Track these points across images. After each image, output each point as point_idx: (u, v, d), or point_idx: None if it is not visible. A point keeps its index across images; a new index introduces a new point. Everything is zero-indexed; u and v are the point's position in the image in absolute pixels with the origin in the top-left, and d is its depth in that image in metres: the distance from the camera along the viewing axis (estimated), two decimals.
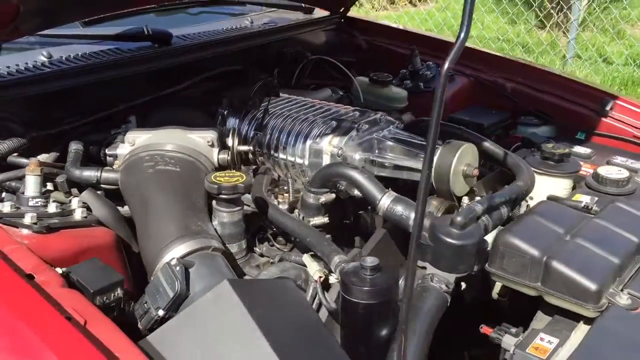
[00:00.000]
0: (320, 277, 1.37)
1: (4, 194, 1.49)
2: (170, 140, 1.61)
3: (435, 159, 1.60)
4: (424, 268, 1.40)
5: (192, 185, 1.48)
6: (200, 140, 1.63)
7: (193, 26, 2.40)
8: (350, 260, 1.37)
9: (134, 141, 1.65)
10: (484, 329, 1.43)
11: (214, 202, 1.45)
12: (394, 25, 3.00)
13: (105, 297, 1.22)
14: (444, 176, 1.57)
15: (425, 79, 2.58)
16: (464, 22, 0.87)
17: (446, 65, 0.87)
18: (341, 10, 2.90)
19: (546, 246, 1.37)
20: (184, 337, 1.08)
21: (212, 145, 1.64)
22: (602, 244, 1.41)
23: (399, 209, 1.44)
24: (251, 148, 1.65)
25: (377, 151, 1.71)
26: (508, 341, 1.37)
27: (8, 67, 1.81)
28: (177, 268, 1.23)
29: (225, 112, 1.89)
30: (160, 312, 1.21)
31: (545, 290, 1.35)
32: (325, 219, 1.60)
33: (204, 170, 1.58)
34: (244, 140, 1.79)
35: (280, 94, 2.01)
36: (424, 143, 1.67)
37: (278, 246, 1.57)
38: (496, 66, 2.62)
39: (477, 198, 1.60)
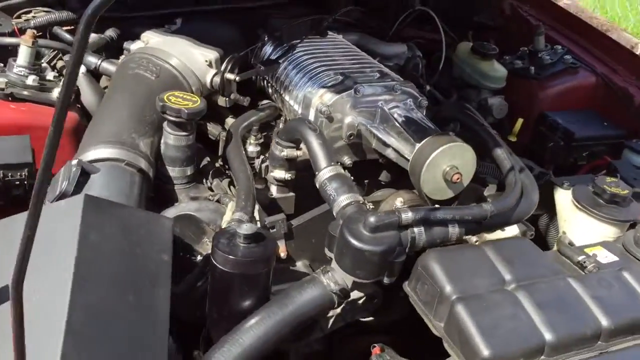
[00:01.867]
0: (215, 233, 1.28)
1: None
2: (173, 49, 1.58)
3: (416, 147, 1.37)
4: (331, 259, 1.24)
5: (155, 99, 1.45)
6: (199, 57, 1.59)
7: None
8: (253, 224, 1.25)
9: (148, 41, 1.66)
10: (375, 350, 1.24)
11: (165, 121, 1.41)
12: None
13: (10, 174, 1.28)
14: (417, 170, 1.35)
15: (541, 63, 2.19)
16: None
17: None
18: None
19: (467, 286, 1.13)
20: (17, 232, 1.09)
21: (210, 66, 1.58)
22: (549, 311, 1.11)
23: (333, 186, 1.27)
24: (237, 78, 1.55)
25: (377, 121, 1.52)
26: None
27: None
28: (74, 170, 1.23)
29: (265, 38, 1.81)
30: (47, 204, 1.24)
31: (443, 335, 1.12)
32: (287, 175, 1.49)
33: (186, 87, 1.54)
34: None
35: (329, 34, 1.85)
36: (434, 130, 1.45)
37: (229, 189, 1.50)
38: (637, 70, 2.13)
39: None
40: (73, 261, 1.00)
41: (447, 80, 2.14)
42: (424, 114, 1.56)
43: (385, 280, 1.19)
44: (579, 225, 1.56)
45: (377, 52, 1.98)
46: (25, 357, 0.76)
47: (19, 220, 1.13)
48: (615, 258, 1.32)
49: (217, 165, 1.56)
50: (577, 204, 1.53)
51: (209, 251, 1.32)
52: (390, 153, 1.49)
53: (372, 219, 1.15)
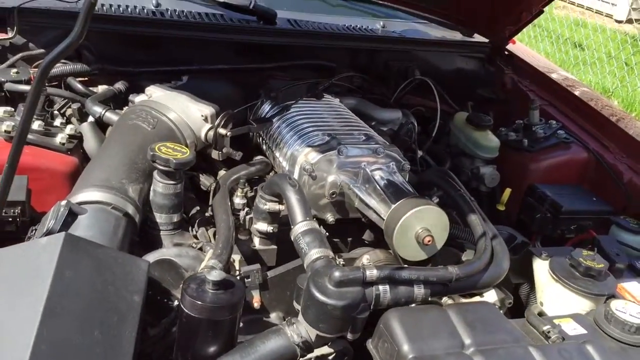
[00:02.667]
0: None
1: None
2: (172, 104, 1.68)
3: (391, 208, 1.42)
4: (298, 312, 1.27)
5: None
6: (196, 112, 1.68)
7: (318, 15, 2.42)
8: (221, 272, 1.29)
9: (151, 94, 1.76)
10: None
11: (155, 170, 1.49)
12: (554, 75, 2.63)
13: (5, 211, 1.35)
14: (390, 231, 1.39)
15: (535, 137, 2.25)
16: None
17: None
18: (505, 38, 2.64)
19: (425, 347, 1.15)
20: (2, 266, 1.15)
21: (206, 120, 1.67)
22: None
23: (306, 240, 1.32)
24: (229, 133, 1.64)
25: (360, 182, 1.58)
26: None
27: (110, 4, 2.05)
28: (62, 210, 1.30)
29: (264, 97, 1.91)
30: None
31: None
32: (270, 228, 1.54)
33: (180, 139, 1.62)
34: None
35: (325, 96, 1.94)
36: (411, 193, 1.51)
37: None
38: (630, 149, 2.17)
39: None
40: (45, 295, 1.06)
41: (442, 148, 2.21)
42: (407, 178, 1.62)
43: (349, 336, 1.22)
44: (555, 296, 1.57)
45: (373, 116, 2.06)
46: None
47: (3, 253, 1.20)
48: (584, 331, 1.33)
49: (206, 215, 1.63)
50: (553, 275, 1.55)
51: None
52: (370, 213, 1.54)
53: (336, 274, 1.19)
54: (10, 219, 1.36)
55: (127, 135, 1.57)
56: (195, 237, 1.55)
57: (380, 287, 1.22)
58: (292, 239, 1.37)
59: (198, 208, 1.62)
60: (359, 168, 1.58)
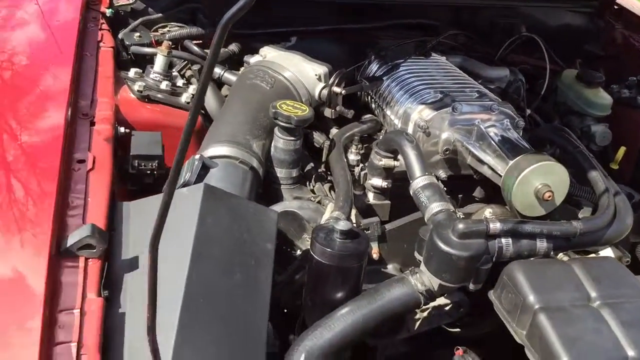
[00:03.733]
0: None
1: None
2: (287, 63, 1.74)
3: (509, 164, 1.43)
4: (420, 262, 1.32)
5: (269, 106, 1.60)
6: (310, 71, 1.73)
7: None
8: (349, 222, 1.35)
9: (266, 55, 1.82)
10: (459, 352, 1.30)
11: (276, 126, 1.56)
12: None
13: (143, 164, 1.46)
14: (509, 186, 1.40)
15: None
16: None
17: None
18: None
19: (551, 298, 1.16)
20: (148, 213, 1.26)
21: (320, 79, 1.72)
22: (634, 330, 1.13)
23: (426, 194, 1.35)
24: (343, 92, 1.67)
25: (473, 138, 1.59)
26: None
27: None
28: (196, 163, 1.40)
29: (372, 56, 1.93)
30: None
31: (524, 343, 1.17)
32: (384, 183, 1.58)
33: (296, 97, 1.68)
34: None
35: (433, 55, 1.94)
36: (527, 147, 1.50)
37: (330, 192, 1.62)
38: None
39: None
40: (192, 240, 1.15)
41: (551, 106, 2.16)
42: (520, 135, 1.61)
43: (471, 286, 1.25)
44: None
45: (479, 74, 2.04)
46: (156, 314, 0.89)
47: (152, 201, 1.31)
48: None
49: (319, 170, 1.69)
50: None
51: (308, 247, 1.45)
52: (484, 169, 1.55)
53: (460, 226, 1.22)
54: (148, 172, 1.46)
55: (248, 94, 1.64)
56: (312, 191, 1.61)
57: (503, 240, 1.24)
58: (411, 193, 1.40)
59: (312, 164, 1.68)
60: (473, 125, 1.59)
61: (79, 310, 1.02)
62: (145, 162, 1.46)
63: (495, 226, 1.23)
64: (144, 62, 1.88)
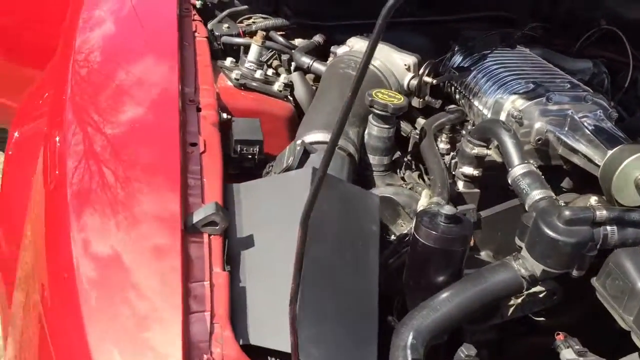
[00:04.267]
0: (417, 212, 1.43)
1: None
2: (376, 53, 1.77)
3: (607, 154, 1.44)
4: (520, 248, 1.34)
5: (362, 95, 1.64)
6: (399, 61, 1.76)
7: None
8: (452, 207, 1.38)
9: (353, 46, 1.87)
10: (560, 336, 1.32)
11: (370, 114, 1.59)
12: None
13: (245, 149, 1.52)
14: (609, 176, 1.41)
15: None
16: None
17: None
18: None
19: None
20: (258, 195, 1.32)
21: (408, 69, 1.75)
22: None
23: (526, 181, 1.38)
24: (434, 82, 1.70)
25: (566, 129, 1.59)
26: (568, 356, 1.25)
27: None
28: (298, 148, 1.45)
29: (456, 48, 1.95)
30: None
31: (632, 328, 1.18)
32: (475, 172, 1.60)
33: (387, 86, 1.72)
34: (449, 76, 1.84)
35: (518, 48, 1.95)
36: (624, 137, 1.51)
37: (423, 180, 1.65)
38: None
39: None
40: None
41: (633, 99, 2.14)
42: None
43: (575, 273, 1.27)
44: None
45: (562, 66, 2.04)
46: (299, 287, 0.93)
47: (260, 183, 1.37)
48: None
49: (406, 159, 1.72)
50: None
51: (403, 232, 1.49)
52: (578, 159, 1.56)
53: (567, 212, 1.23)
54: (250, 156, 1.52)
55: (341, 83, 1.69)
56: (402, 179, 1.65)
57: (609, 228, 1.25)
58: (509, 180, 1.42)
59: (399, 153, 1.71)
60: (566, 115, 1.60)
61: (208, 282, 1.08)
62: (247, 146, 1.51)
63: (602, 214, 1.24)
64: (232, 51, 1.95)
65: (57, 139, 1.40)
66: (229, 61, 1.78)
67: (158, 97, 1.45)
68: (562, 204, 1.40)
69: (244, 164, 1.54)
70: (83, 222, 1.15)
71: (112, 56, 1.62)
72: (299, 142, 1.46)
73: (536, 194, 1.34)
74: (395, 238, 1.48)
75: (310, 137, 1.51)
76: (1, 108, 2.78)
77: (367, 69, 0.82)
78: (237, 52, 1.94)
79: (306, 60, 1.85)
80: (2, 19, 2.62)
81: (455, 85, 1.88)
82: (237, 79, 1.69)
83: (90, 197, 1.20)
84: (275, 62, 1.94)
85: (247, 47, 1.90)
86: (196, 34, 1.83)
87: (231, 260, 1.18)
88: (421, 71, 1.73)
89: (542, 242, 1.25)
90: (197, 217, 1.16)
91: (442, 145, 1.68)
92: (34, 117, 1.79)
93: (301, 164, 1.44)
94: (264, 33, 1.83)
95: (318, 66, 1.84)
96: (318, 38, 1.99)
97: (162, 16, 1.78)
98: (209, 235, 1.17)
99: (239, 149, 1.51)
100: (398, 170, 1.66)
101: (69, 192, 1.21)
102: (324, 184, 1.31)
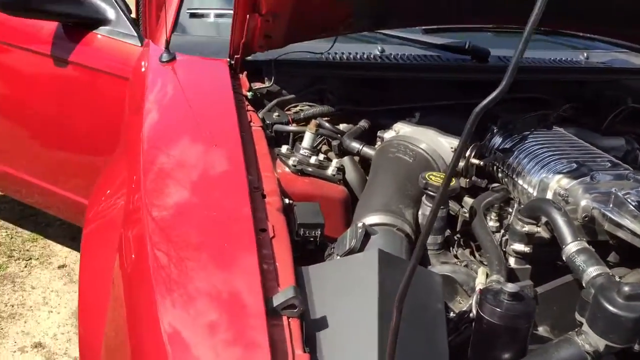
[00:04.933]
0: (480, 289, 1.49)
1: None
2: (422, 137, 1.89)
3: None
4: (581, 324, 1.39)
5: (414, 177, 1.74)
6: (446, 144, 1.87)
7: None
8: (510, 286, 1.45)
9: (399, 130, 1.98)
10: None
11: (424, 195, 1.69)
12: None
13: (307, 232, 1.61)
14: None
15: None
16: None
17: None
18: None
19: None
20: (327, 277, 1.39)
21: (454, 151, 1.85)
22: None
23: (581, 258, 1.44)
24: (481, 163, 1.80)
25: (611, 205, 1.67)
26: None
27: (343, 52, 2.33)
28: (360, 230, 1.53)
29: (495, 129, 2.06)
30: (337, 258, 1.54)
31: None
32: (526, 249, 1.67)
33: (435, 169, 1.82)
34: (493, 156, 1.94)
35: (554, 128, 2.06)
36: None
37: (473, 257, 1.72)
38: None
39: None
40: (376, 300, 1.27)
41: None
42: None
43: (637, 347, 1.31)
44: None
45: (596, 144, 2.14)
46: None
47: (327, 266, 1.44)
48: None
49: (456, 237, 1.80)
50: None
51: (462, 309, 1.54)
52: (623, 234, 1.62)
53: (626, 288, 1.29)
54: (312, 239, 1.60)
55: (393, 167, 1.79)
56: (456, 256, 1.72)
57: None
58: (564, 257, 1.49)
59: (449, 231, 1.79)
60: (610, 193, 1.67)
61: None
62: (310, 230, 1.60)
63: None
64: (282, 138, 2.07)
65: (134, 227, 1.50)
66: (284, 148, 1.89)
67: (228, 186, 1.55)
68: (618, 279, 1.46)
69: (306, 247, 1.62)
70: (168, 308, 1.22)
71: (179, 147, 1.74)
72: (359, 224, 1.55)
73: (593, 271, 1.41)
74: (454, 315, 1.53)
75: (369, 220, 1.60)
76: (66, 201, 2.89)
77: (458, 161, 0.91)
78: (286, 138, 2.07)
79: (356, 145, 1.96)
80: (60, 110, 2.78)
81: (498, 165, 1.98)
82: (295, 165, 1.80)
83: (174, 285, 1.28)
84: (324, 147, 2.05)
85: (295, 133, 2.03)
86: (251, 124, 1.95)
87: (308, 342, 1.24)
88: (467, 153, 1.83)
89: (603, 317, 1.30)
90: (277, 300, 1.24)
91: (492, 223, 1.76)
92: (108, 208, 1.88)
93: (363, 245, 1.53)
94: (317, 122, 1.95)
95: (367, 150, 1.95)
96: (364, 123, 2.11)
97: (222, 108, 1.92)
98: (288, 317, 1.24)
99: (301, 232, 1.60)
100: (450, 248, 1.73)
101: (153, 283, 1.27)
102: (391, 264, 1.40)
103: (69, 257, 3.45)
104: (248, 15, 1.98)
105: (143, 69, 2.32)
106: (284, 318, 1.23)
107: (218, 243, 1.38)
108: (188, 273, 1.31)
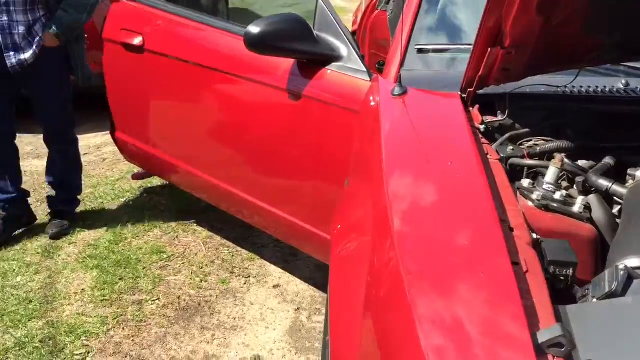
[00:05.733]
0: None
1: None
2: None
3: None
4: None
5: None
6: None
7: None
8: None
9: None
10: None
11: None
12: None
13: (557, 269, 1.53)
14: None
15: None
16: None
17: None
18: None
19: None
20: (590, 319, 1.29)
21: None
22: None
23: None
24: None
25: None
26: None
27: (582, 85, 2.22)
28: (622, 272, 1.41)
29: None
30: (593, 300, 1.44)
31: None
32: None
33: None
34: None
35: None
36: None
37: None
38: None
39: None
40: None
41: None
42: None
43: None
44: None
45: None
46: None
47: (589, 308, 1.35)
48: None
49: None
50: None
51: None
52: None
53: None
54: (562, 278, 1.52)
55: None
56: None
57: None
58: None
59: None
60: None
61: None
62: (561, 268, 1.52)
63: None
64: (515, 172, 2.01)
65: (385, 257, 1.53)
66: (526, 182, 1.83)
67: (478, 218, 1.54)
68: None
69: (554, 286, 1.53)
70: (432, 336, 1.21)
71: (423, 176, 1.77)
72: (621, 266, 1.43)
73: None
74: None
75: (630, 262, 1.47)
76: (284, 223, 3.08)
77: None
78: (520, 173, 2.00)
79: (604, 183, 1.84)
80: (289, 138, 2.98)
81: None
82: (539, 200, 1.73)
83: (436, 316, 1.26)
84: (564, 184, 1.95)
85: (530, 168, 1.96)
86: (488, 156, 1.92)
87: None
88: None
89: None
90: (543, 337, 1.18)
91: None
92: (354, 239, 1.94)
93: (625, 289, 1.41)
94: (563, 156, 1.87)
95: (618, 189, 1.81)
96: (609, 160, 1.98)
97: (460, 140, 1.91)
98: (554, 356, 1.17)
99: (551, 269, 1.52)
100: None
101: (414, 316, 1.27)
102: None
103: (282, 277, 3.66)
104: (489, 49, 1.97)
105: (372, 103, 2.41)
106: (549, 356, 1.17)
107: (474, 273, 1.37)
108: (448, 302, 1.30)
